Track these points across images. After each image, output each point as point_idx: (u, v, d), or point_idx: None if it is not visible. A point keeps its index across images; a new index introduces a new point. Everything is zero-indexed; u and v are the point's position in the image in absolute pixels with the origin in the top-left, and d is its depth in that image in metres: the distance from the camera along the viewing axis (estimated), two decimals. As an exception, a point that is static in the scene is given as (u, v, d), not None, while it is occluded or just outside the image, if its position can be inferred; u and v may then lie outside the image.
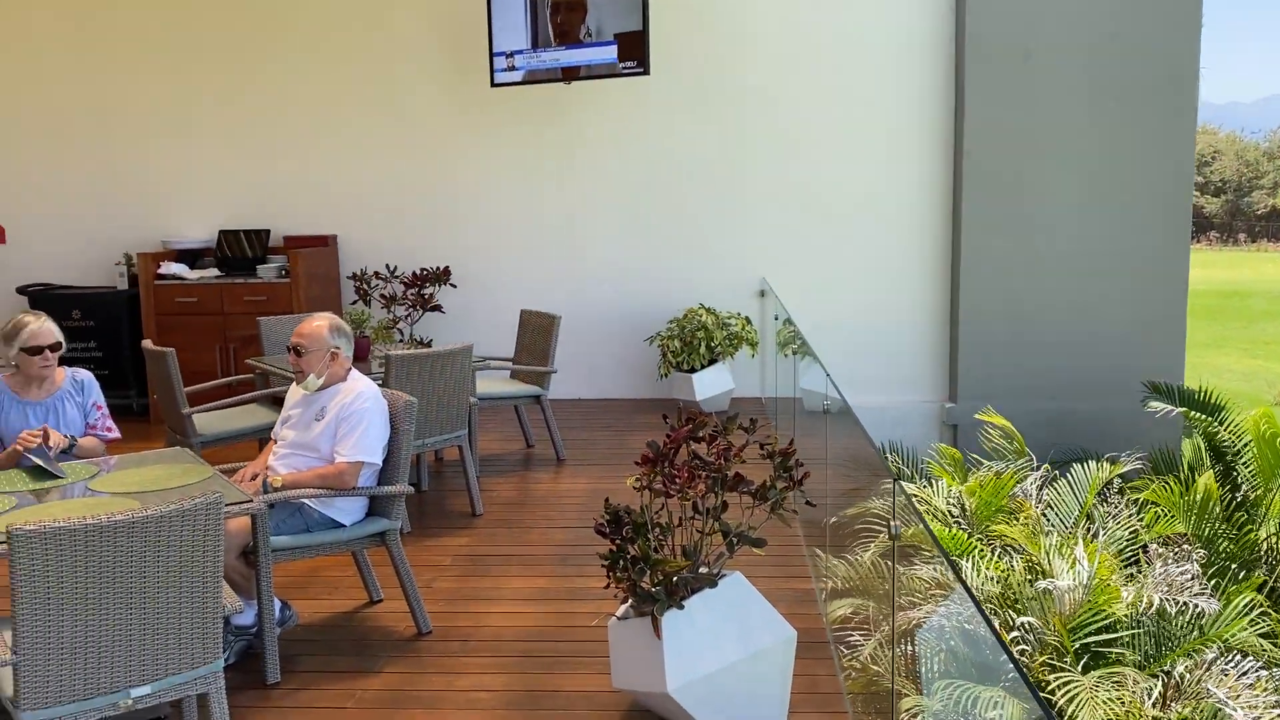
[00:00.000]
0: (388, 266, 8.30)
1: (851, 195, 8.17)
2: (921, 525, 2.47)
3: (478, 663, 3.91)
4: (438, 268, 8.17)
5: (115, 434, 4.22)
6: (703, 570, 3.38)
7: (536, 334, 6.76)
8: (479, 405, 6.20)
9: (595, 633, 4.13)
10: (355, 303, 8.31)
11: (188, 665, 2.89)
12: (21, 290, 8.24)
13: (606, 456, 6.78)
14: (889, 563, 4.24)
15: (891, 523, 2.59)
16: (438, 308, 8.10)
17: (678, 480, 3.23)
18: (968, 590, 2.02)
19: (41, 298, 8.01)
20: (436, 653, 4.00)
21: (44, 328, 4.02)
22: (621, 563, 3.34)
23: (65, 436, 3.97)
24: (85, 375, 4.19)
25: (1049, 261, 7.91)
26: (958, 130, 7.96)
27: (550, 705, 3.59)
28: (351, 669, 3.87)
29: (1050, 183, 7.87)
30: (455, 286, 8.34)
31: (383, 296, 8.05)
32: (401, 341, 7.75)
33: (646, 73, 7.40)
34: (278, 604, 3.96)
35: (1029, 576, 5.33)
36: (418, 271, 8.12)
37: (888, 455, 7.61)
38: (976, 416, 7.20)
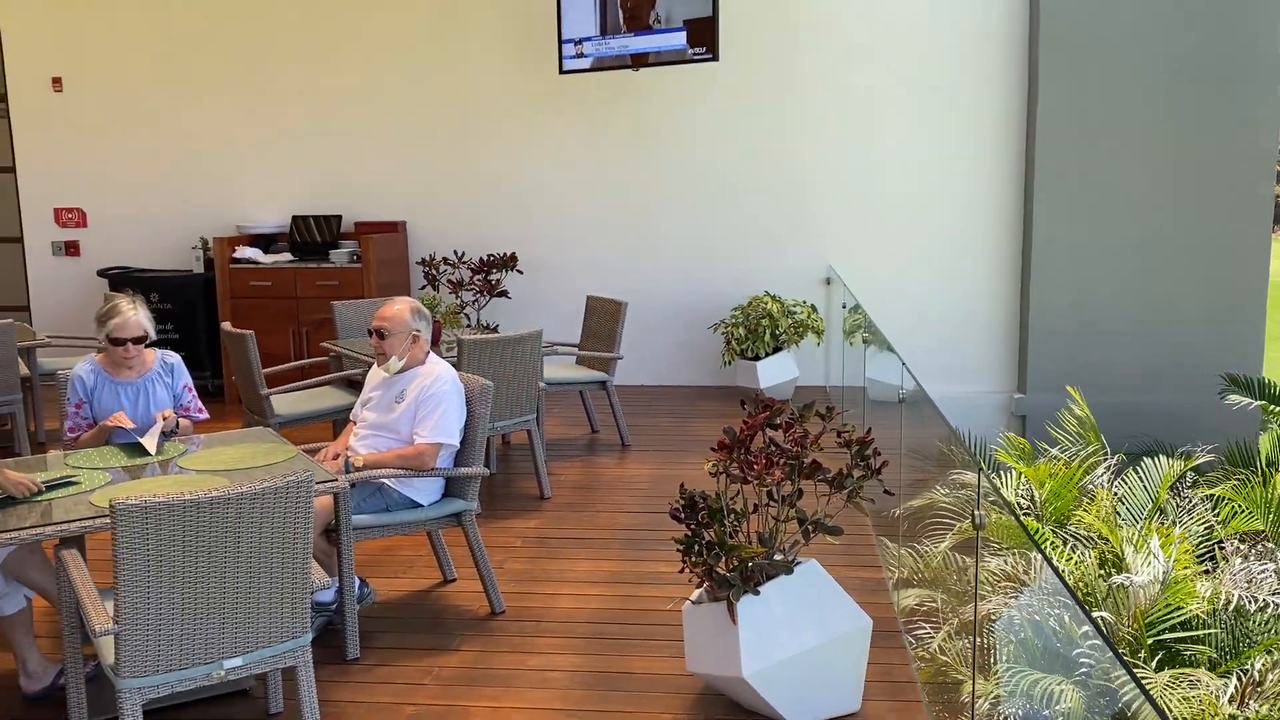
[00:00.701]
0: (455, 252, 8.39)
1: (920, 183, 8.08)
2: (1012, 517, 2.46)
3: (550, 643, 3.96)
4: (504, 254, 8.25)
5: (204, 414, 4.33)
6: (778, 557, 3.40)
7: (603, 320, 6.80)
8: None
9: (665, 616, 4.16)
10: (424, 288, 8.42)
11: (278, 639, 2.97)
12: (102, 273, 8.48)
13: (670, 443, 6.81)
14: (959, 554, 4.23)
15: (976, 512, 2.59)
16: (504, 293, 8.18)
17: (755, 466, 3.24)
18: (1065, 585, 2.01)
19: (121, 280, 8.23)
20: (510, 632, 4.06)
21: (131, 320, 4.08)
22: (696, 547, 3.37)
23: (174, 415, 4.10)
24: (175, 359, 4.30)
25: (1123, 250, 7.76)
26: (1030, 117, 7.83)
27: (623, 687, 3.63)
28: (427, 646, 3.95)
29: (1126, 170, 7.72)
30: (521, 272, 8.41)
31: (450, 282, 8.14)
32: (468, 327, 7.83)
33: (716, 59, 7.38)
34: (356, 581, 4.05)
35: (1101, 570, 5.26)
36: (484, 257, 8.20)
37: (955, 446, 7.54)
38: (1068, 389, 7.06)
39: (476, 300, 8.25)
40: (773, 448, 3.31)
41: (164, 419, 4.03)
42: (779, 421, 3.40)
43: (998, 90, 7.92)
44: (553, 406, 7.69)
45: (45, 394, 7.36)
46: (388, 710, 3.50)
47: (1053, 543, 5.46)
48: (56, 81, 8.75)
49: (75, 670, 3.19)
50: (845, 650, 3.35)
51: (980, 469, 2.62)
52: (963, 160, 8.02)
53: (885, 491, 3.43)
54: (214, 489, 2.78)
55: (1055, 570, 2.11)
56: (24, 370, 6.62)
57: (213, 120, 8.66)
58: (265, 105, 8.59)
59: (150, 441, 3.89)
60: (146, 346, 4.18)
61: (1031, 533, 5.47)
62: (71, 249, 8.95)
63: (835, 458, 3.46)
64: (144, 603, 2.75)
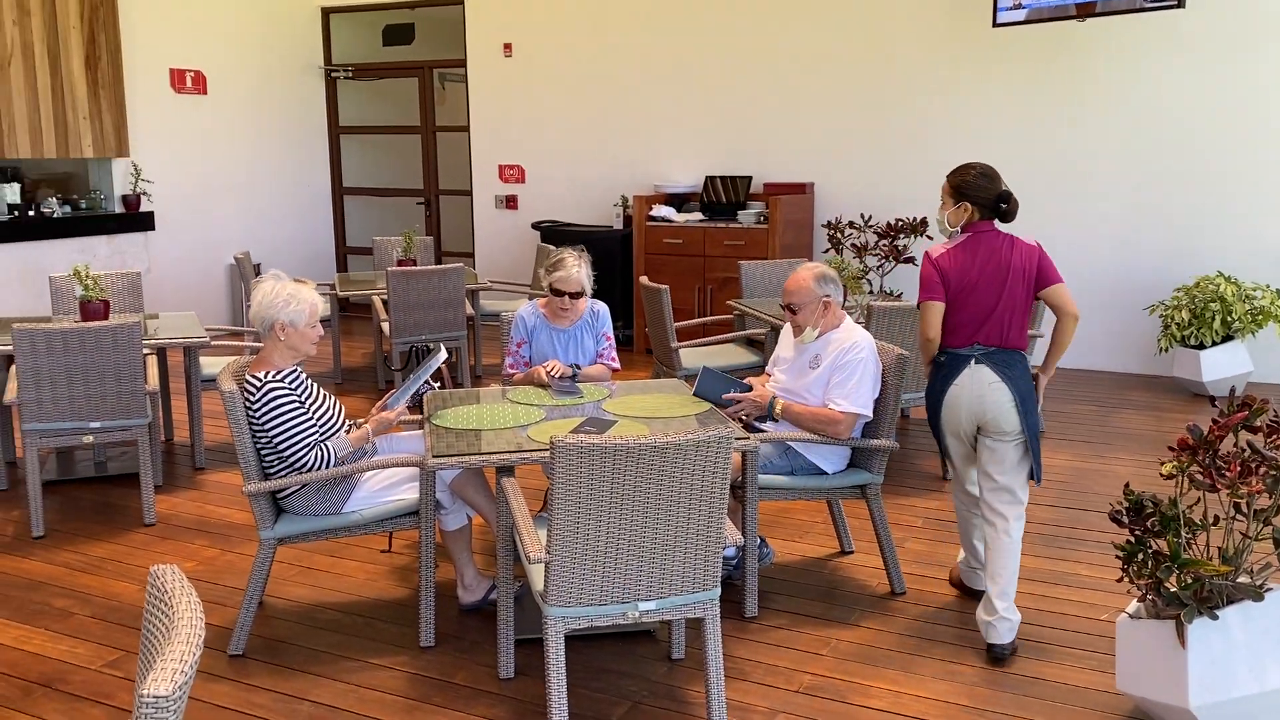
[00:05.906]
0: (862, 215, 8.18)
1: None
2: None
3: (956, 634, 3.73)
4: (913, 219, 7.91)
5: (617, 365, 4.52)
6: (1243, 579, 2.93)
7: (1022, 294, 6.30)
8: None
9: (1086, 624, 3.78)
10: (827, 250, 8.31)
11: (689, 588, 3.02)
12: (535, 225, 9.23)
13: (1091, 433, 6.21)
14: None
15: None
16: (911, 260, 7.85)
17: (1226, 473, 2.80)
18: None
19: (550, 233, 8.90)
20: (911, 615, 3.88)
21: (573, 276, 4.32)
22: (1141, 556, 2.98)
23: (568, 366, 4.31)
24: (601, 307, 4.53)
25: None
26: None
27: (1037, 694, 3.33)
28: (824, 616, 3.87)
29: None
30: (931, 239, 8.03)
31: (854, 246, 7.96)
32: (871, 294, 7.62)
33: (1180, 6, 6.52)
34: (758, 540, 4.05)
35: None
36: (892, 222, 7.91)
37: None
38: None
39: (881, 266, 8.00)
40: (1250, 453, 2.84)
41: (554, 375, 4.20)
42: (1258, 423, 2.91)
43: None
44: (956, 382, 7.29)
45: (485, 333, 8.16)
46: (785, 674, 3.47)
47: None
48: (507, 47, 9.58)
49: (506, 589, 3.45)
50: (1324, 700, 2.83)
51: None
52: None
53: (1399, 520, 2.84)
54: (642, 436, 2.85)
55: None
56: (469, 310, 7.37)
57: (639, 85, 9.07)
58: (684, 69, 8.85)
59: (571, 390, 4.11)
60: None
61: None
62: (510, 203, 9.82)
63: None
64: (573, 536, 2.89)
